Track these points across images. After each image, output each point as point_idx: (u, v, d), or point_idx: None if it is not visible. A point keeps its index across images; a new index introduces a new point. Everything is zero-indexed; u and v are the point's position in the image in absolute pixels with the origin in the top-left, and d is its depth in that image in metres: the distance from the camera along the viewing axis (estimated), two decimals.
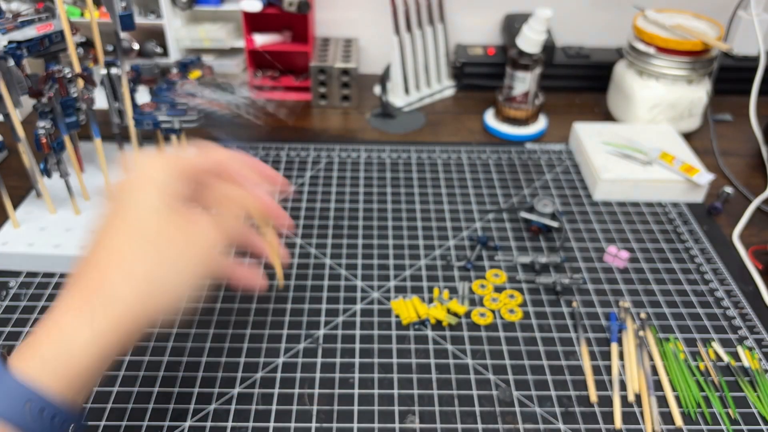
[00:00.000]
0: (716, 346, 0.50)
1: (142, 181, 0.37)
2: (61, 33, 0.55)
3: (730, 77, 0.85)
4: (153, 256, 0.34)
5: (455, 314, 0.52)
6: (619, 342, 0.50)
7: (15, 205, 0.60)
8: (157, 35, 0.79)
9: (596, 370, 0.48)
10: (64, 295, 0.33)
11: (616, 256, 0.58)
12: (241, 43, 0.81)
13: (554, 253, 0.59)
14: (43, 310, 0.52)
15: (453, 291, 0.55)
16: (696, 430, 0.44)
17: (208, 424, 0.44)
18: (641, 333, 0.51)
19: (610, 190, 0.67)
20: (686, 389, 0.46)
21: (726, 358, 0.49)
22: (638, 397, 0.46)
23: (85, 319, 0.32)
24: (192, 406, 0.45)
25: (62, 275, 0.55)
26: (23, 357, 0.31)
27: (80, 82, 0.56)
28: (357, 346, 0.50)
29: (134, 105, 0.59)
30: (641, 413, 0.45)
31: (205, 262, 0.36)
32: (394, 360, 0.48)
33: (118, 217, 0.36)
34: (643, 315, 0.52)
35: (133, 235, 0.35)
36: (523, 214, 0.62)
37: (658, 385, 0.47)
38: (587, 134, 0.73)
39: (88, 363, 0.31)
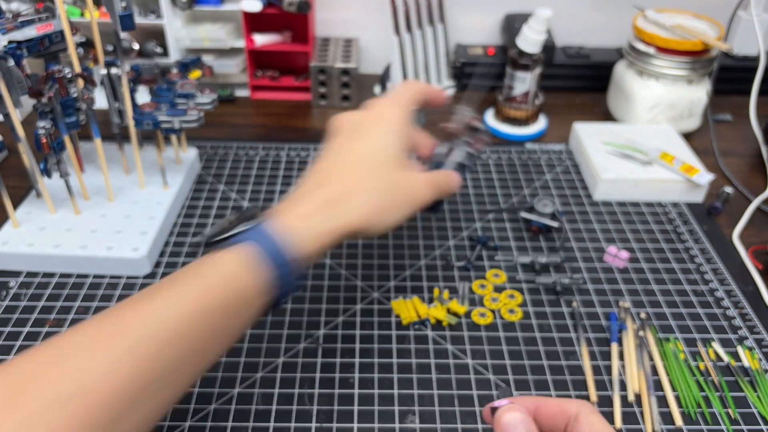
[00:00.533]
0: (716, 346, 0.50)
1: (381, 120, 0.46)
2: (61, 33, 0.55)
3: (730, 77, 0.85)
4: (387, 185, 0.43)
5: (455, 314, 0.52)
6: (620, 342, 0.50)
7: (15, 205, 0.60)
8: (157, 35, 0.79)
9: (596, 370, 0.48)
10: (306, 191, 0.42)
11: (616, 256, 0.58)
12: (241, 43, 0.81)
13: (554, 253, 0.59)
14: (43, 310, 0.52)
15: (453, 291, 0.55)
16: (696, 430, 0.44)
17: (208, 424, 0.44)
18: (641, 333, 0.51)
19: (610, 190, 0.67)
20: (686, 389, 0.46)
21: (726, 358, 0.49)
22: (638, 397, 0.46)
23: (328, 218, 0.40)
24: (192, 406, 0.45)
25: (62, 275, 0.55)
26: (293, 223, 0.39)
27: (80, 82, 0.56)
28: (357, 346, 0.50)
29: (134, 105, 0.59)
30: (641, 413, 0.45)
31: (414, 209, 0.44)
32: (394, 360, 0.48)
33: (358, 143, 0.44)
34: (643, 315, 0.52)
35: (373, 161, 0.43)
36: (523, 214, 0.62)
37: (658, 385, 0.47)
38: (587, 134, 0.73)
39: (325, 245, 0.40)
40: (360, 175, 0.43)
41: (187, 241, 0.60)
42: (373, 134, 0.45)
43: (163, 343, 0.33)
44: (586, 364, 0.48)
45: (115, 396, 0.30)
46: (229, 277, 0.36)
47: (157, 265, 0.57)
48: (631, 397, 0.46)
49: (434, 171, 0.49)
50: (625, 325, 0.51)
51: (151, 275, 0.56)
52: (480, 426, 0.44)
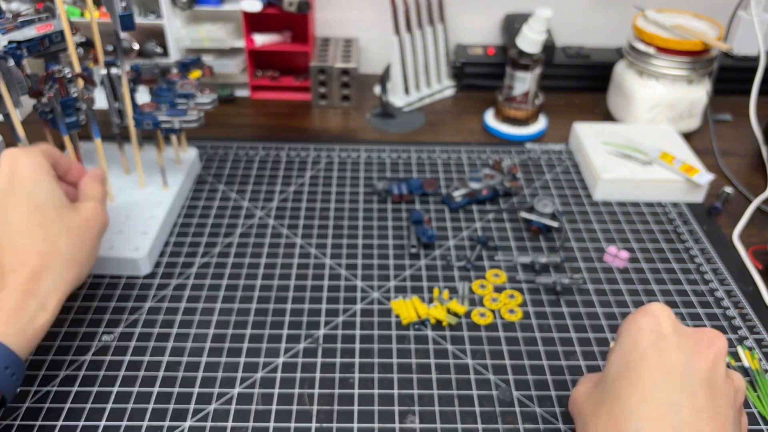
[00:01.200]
0: None
1: (28, 169, 0.44)
2: (61, 33, 0.55)
3: (730, 77, 0.85)
4: (70, 238, 0.43)
5: (455, 314, 0.52)
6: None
7: None
8: (157, 35, 0.79)
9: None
10: (13, 275, 0.40)
11: (616, 256, 0.58)
12: (241, 43, 0.81)
13: (554, 253, 0.59)
14: None
15: (453, 291, 0.55)
16: None
17: (208, 424, 0.44)
18: None
19: (610, 190, 0.67)
20: None
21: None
22: None
23: (39, 301, 0.40)
24: (192, 406, 0.45)
25: None
26: (3, 329, 0.38)
27: (80, 82, 0.56)
28: (357, 346, 0.50)
29: (134, 105, 0.59)
30: None
31: (100, 236, 0.47)
32: (394, 360, 0.48)
33: (16, 208, 0.42)
34: None
35: (45, 221, 0.43)
36: (523, 214, 0.62)
37: None
38: (587, 134, 0.73)
39: (43, 330, 0.41)
40: (41, 241, 0.42)
41: (187, 241, 0.60)
42: (24, 188, 0.43)
43: None
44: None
45: None
46: None
47: (157, 265, 0.57)
48: None
49: (81, 184, 0.49)
50: None
51: (152, 275, 0.56)
52: (480, 426, 0.44)
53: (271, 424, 0.44)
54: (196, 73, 0.65)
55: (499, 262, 0.58)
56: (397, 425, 0.44)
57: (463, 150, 0.75)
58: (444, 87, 0.89)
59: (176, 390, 0.46)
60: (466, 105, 0.87)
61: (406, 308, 0.52)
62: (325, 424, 0.44)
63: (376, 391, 0.46)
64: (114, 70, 0.58)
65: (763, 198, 0.66)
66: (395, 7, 0.79)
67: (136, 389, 0.46)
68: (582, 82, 0.89)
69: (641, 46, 0.76)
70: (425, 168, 0.71)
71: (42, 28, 0.53)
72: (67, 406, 0.44)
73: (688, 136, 0.78)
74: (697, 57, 0.74)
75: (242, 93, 0.86)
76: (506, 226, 0.63)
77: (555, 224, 0.61)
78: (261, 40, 0.81)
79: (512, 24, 0.86)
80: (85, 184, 0.49)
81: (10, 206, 0.42)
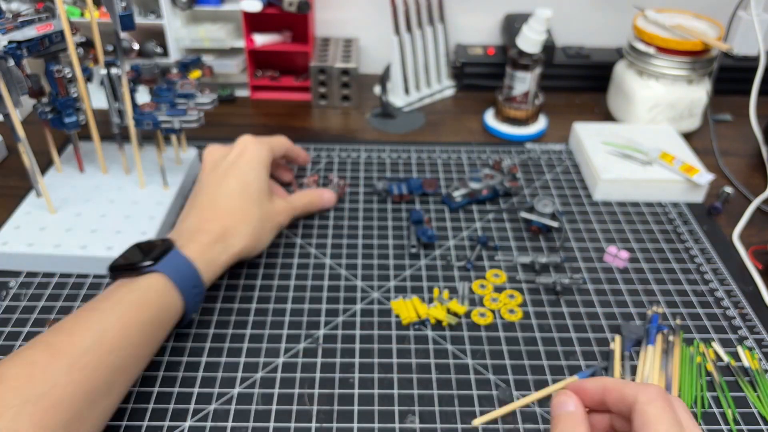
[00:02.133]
0: (716, 346, 0.50)
1: (248, 156, 0.55)
2: (61, 33, 0.55)
3: (730, 77, 0.85)
4: (260, 216, 0.54)
5: (455, 314, 0.52)
6: (638, 344, 0.50)
7: (15, 205, 0.60)
8: (157, 35, 0.79)
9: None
10: (212, 224, 0.51)
11: (616, 256, 0.58)
12: (241, 43, 0.81)
13: (554, 253, 0.59)
14: (43, 310, 0.52)
15: (453, 291, 0.55)
16: None
17: (208, 424, 0.44)
18: (671, 338, 0.51)
19: (610, 190, 0.67)
20: (688, 389, 0.46)
21: (726, 358, 0.49)
22: None
23: (222, 248, 0.50)
24: (192, 406, 0.45)
25: (62, 275, 0.55)
26: (194, 252, 0.48)
27: (80, 82, 0.56)
28: (357, 346, 0.50)
29: (134, 105, 0.59)
30: None
31: (278, 230, 0.58)
32: (394, 360, 0.48)
33: (233, 180, 0.54)
34: (678, 320, 0.52)
35: (248, 197, 0.54)
36: (523, 214, 0.62)
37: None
38: (587, 134, 0.73)
39: (218, 273, 0.50)
40: (239, 210, 0.53)
41: None
42: (244, 170, 0.55)
43: (105, 352, 0.40)
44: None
45: (69, 399, 0.37)
46: (159, 295, 0.44)
47: None
48: None
49: (295, 194, 0.61)
50: (664, 326, 0.51)
51: None
52: (480, 426, 0.44)
53: (271, 424, 0.44)
54: (196, 73, 0.65)
55: (499, 262, 0.58)
56: (397, 425, 0.44)
57: (463, 150, 0.75)
58: (444, 87, 0.89)
59: (176, 390, 0.46)
60: (466, 105, 0.87)
61: (406, 308, 0.52)
62: (325, 424, 0.44)
63: (376, 391, 0.46)
64: (114, 70, 0.58)
65: (763, 198, 0.66)
66: (395, 7, 0.79)
67: (136, 389, 0.46)
68: (582, 82, 0.89)
69: (641, 46, 0.76)
70: (425, 168, 0.71)
71: (42, 28, 0.53)
72: None
73: (688, 136, 0.78)
74: (697, 57, 0.74)
75: (242, 93, 0.86)
76: (506, 226, 0.63)
77: (555, 224, 0.61)
78: (261, 40, 0.81)
79: (512, 24, 0.86)
80: (300, 193, 0.62)
81: (229, 176, 0.54)
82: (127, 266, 0.46)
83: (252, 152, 0.56)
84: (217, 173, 0.55)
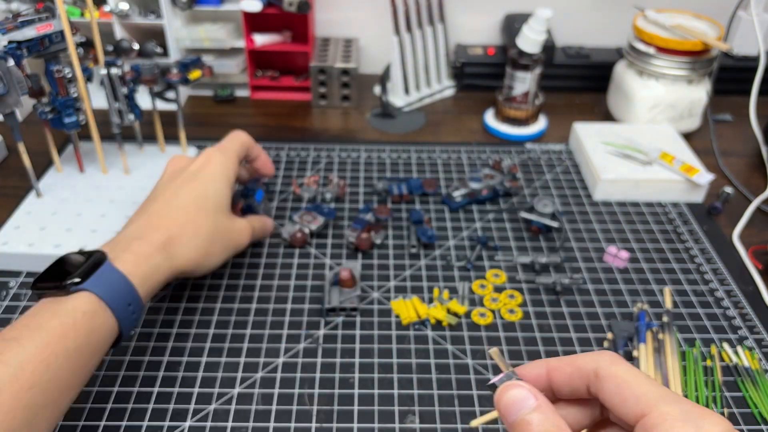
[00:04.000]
0: (716, 346, 0.50)
1: (211, 168, 0.52)
2: (61, 33, 0.55)
3: (730, 77, 0.85)
4: (212, 230, 0.49)
5: (455, 314, 0.52)
6: (633, 343, 0.50)
7: (15, 206, 0.60)
8: (157, 35, 0.79)
9: None
10: (155, 233, 0.46)
11: (616, 256, 0.58)
12: (241, 43, 0.81)
13: (554, 253, 0.59)
14: None
15: (453, 291, 0.55)
16: None
17: (208, 424, 0.44)
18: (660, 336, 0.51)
19: (610, 190, 0.67)
20: (688, 389, 0.46)
21: (726, 358, 0.49)
22: None
23: (163, 260, 0.45)
24: (192, 406, 0.45)
25: None
26: (129, 265, 0.43)
27: (80, 82, 0.56)
28: (357, 346, 0.50)
29: (134, 105, 0.59)
30: None
31: (235, 251, 0.53)
32: (394, 360, 0.48)
33: (189, 188, 0.50)
34: (665, 318, 0.52)
35: (202, 208, 0.49)
36: (523, 214, 0.62)
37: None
38: (587, 134, 0.73)
39: (156, 288, 0.45)
40: (190, 220, 0.48)
41: None
42: (204, 181, 0.51)
43: (24, 389, 0.35)
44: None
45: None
46: (87, 318, 0.39)
47: None
48: None
49: (251, 216, 0.57)
50: (654, 323, 0.51)
51: None
52: (480, 426, 0.44)
53: (271, 424, 0.44)
54: (196, 73, 0.65)
55: (499, 262, 0.58)
56: (397, 425, 0.44)
57: (463, 150, 0.75)
58: (444, 87, 0.89)
59: (176, 390, 0.46)
60: (466, 105, 0.87)
61: (406, 308, 0.52)
62: (325, 424, 0.44)
63: (376, 391, 0.46)
64: (114, 70, 0.58)
65: (763, 198, 0.66)
66: (395, 7, 0.79)
67: (136, 389, 0.46)
68: (582, 82, 0.89)
69: (641, 46, 0.76)
70: (425, 168, 0.71)
71: (42, 28, 0.53)
72: None
73: (688, 136, 0.78)
74: (697, 57, 0.74)
75: (242, 93, 0.86)
76: (506, 226, 0.63)
77: (555, 224, 0.61)
78: (261, 40, 0.81)
79: (512, 24, 0.86)
80: (256, 217, 0.57)
81: (186, 186, 0.50)
82: (51, 284, 0.40)
83: (215, 164, 0.52)
84: (175, 182, 0.51)
